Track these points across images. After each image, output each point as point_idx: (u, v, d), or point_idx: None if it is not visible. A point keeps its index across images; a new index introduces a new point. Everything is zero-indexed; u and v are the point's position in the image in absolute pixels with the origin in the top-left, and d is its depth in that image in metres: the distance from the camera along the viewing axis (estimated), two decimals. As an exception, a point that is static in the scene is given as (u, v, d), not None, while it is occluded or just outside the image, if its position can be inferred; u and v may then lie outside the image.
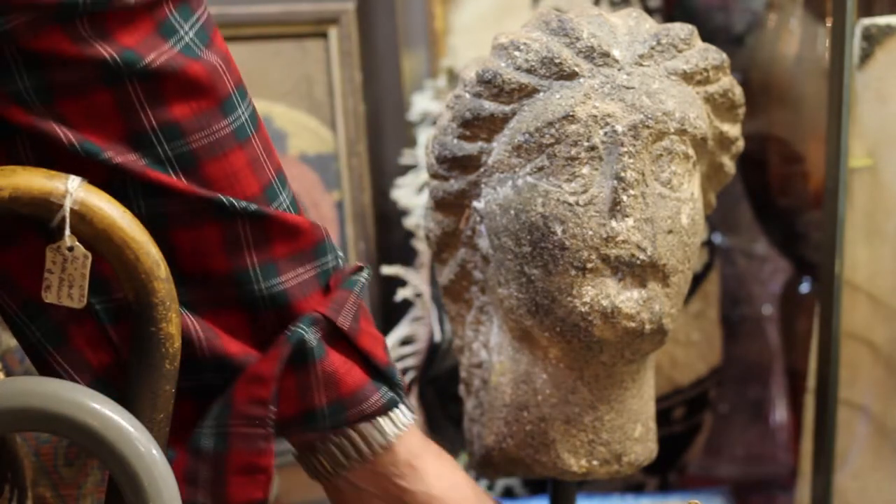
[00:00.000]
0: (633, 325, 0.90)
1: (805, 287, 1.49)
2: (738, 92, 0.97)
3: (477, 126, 0.93)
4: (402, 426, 0.85)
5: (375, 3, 1.46)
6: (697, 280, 1.34)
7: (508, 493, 1.36)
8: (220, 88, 0.76)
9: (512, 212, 0.92)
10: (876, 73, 1.12)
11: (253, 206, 0.77)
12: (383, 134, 1.47)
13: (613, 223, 0.89)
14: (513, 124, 0.92)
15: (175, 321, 0.76)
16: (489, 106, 0.92)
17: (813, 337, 1.17)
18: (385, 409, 0.84)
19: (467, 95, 0.93)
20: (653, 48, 0.92)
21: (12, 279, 0.75)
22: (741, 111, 0.98)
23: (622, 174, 0.88)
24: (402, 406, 0.86)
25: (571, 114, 0.89)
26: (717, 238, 1.47)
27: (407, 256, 1.41)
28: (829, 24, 1.17)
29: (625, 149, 0.89)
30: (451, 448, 1.02)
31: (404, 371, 1.34)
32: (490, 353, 1.00)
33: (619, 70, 0.91)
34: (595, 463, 0.96)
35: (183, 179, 0.75)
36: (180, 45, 0.74)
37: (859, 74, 1.12)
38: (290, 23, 1.41)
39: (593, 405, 0.96)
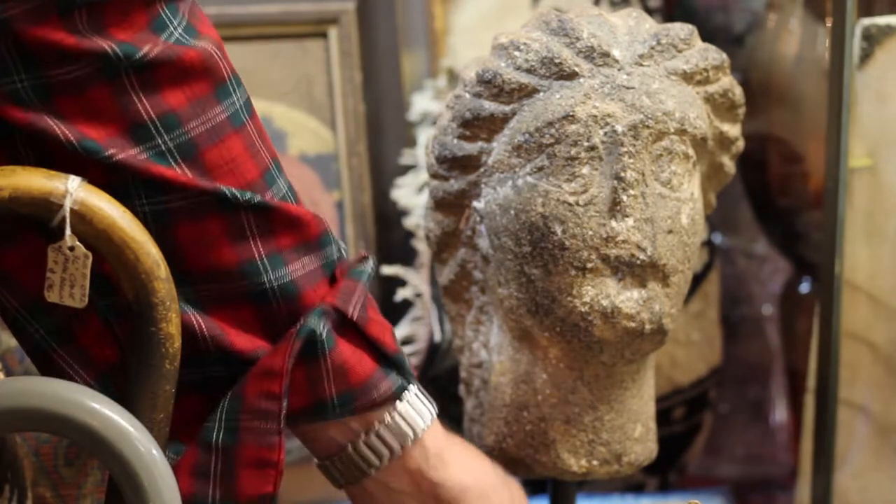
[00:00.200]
0: (633, 325, 0.90)
1: (805, 287, 1.49)
2: (738, 92, 0.97)
3: (477, 126, 0.93)
4: (428, 419, 0.85)
5: (375, 3, 1.46)
6: (697, 280, 1.34)
7: (508, 493, 1.36)
8: (214, 73, 0.76)
9: (512, 212, 0.92)
10: (876, 73, 1.12)
11: (256, 198, 0.77)
12: (383, 134, 1.47)
13: (613, 223, 0.89)
14: (513, 124, 0.92)
15: (175, 321, 0.76)
16: (489, 106, 0.92)
17: (813, 337, 1.17)
18: (394, 396, 0.83)
19: (467, 95, 0.93)
20: (653, 48, 0.92)
21: (14, 279, 0.75)
22: (741, 111, 0.98)
23: (622, 174, 0.89)
24: (422, 397, 0.85)
25: (571, 114, 0.89)
26: (717, 238, 1.47)
27: (407, 256, 1.41)
28: (829, 24, 1.18)
29: (625, 149, 0.89)
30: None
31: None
32: (490, 353, 1.00)
33: (619, 70, 0.91)
34: (595, 463, 0.96)
35: (185, 170, 0.74)
36: (173, 39, 0.74)
37: (859, 74, 1.12)
38: (290, 23, 1.41)
39: (593, 405, 0.96)
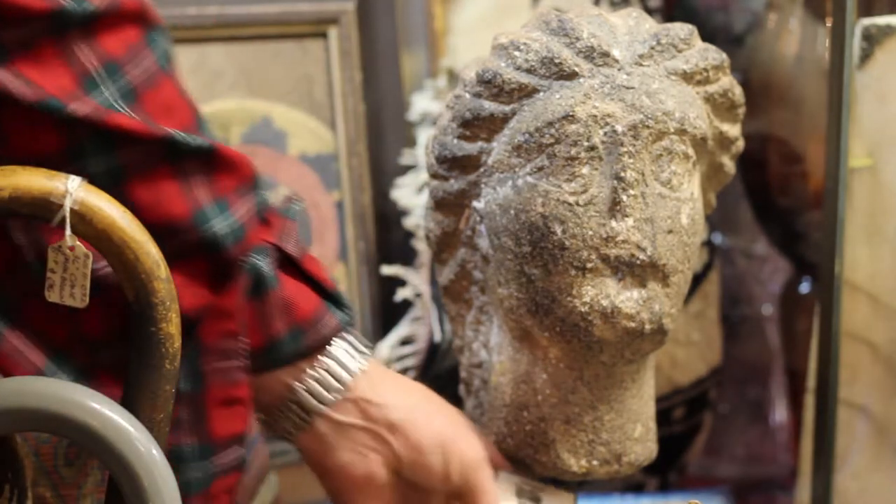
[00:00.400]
0: (633, 325, 0.90)
1: (805, 287, 1.49)
2: (738, 92, 0.97)
3: (477, 126, 0.93)
4: (369, 348, 0.87)
5: (375, 3, 1.46)
6: (697, 280, 1.34)
7: (508, 493, 1.36)
8: (146, 20, 0.77)
9: (512, 212, 0.92)
10: (876, 73, 1.12)
11: (199, 140, 0.77)
12: (383, 134, 1.47)
13: (613, 223, 0.89)
14: (513, 124, 0.92)
15: (175, 321, 0.76)
16: (489, 106, 0.92)
17: (813, 337, 1.17)
18: (341, 329, 0.85)
19: (467, 95, 0.93)
20: (653, 48, 0.92)
21: None
22: (741, 111, 0.98)
23: (622, 174, 0.89)
24: (355, 331, 0.87)
25: (571, 114, 0.89)
26: (717, 238, 1.47)
27: (407, 256, 1.41)
28: (829, 24, 1.17)
29: (625, 149, 0.89)
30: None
31: (404, 371, 1.34)
32: (490, 353, 1.00)
33: (618, 70, 0.91)
34: (595, 463, 0.96)
35: (130, 114, 0.75)
36: None
37: (859, 74, 1.12)
38: (290, 23, 1.41)
39: (593, 405, 0.96)
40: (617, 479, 1.20)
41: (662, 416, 1.25)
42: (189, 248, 0.78)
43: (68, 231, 0.71)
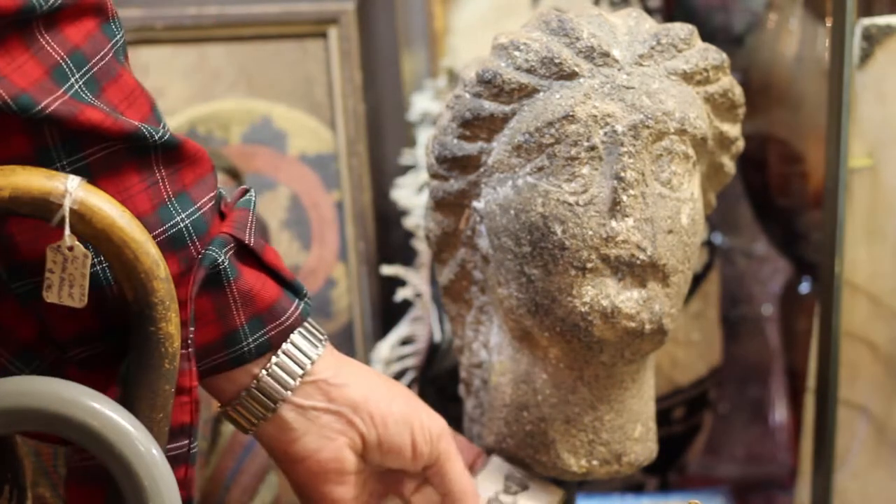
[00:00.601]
0: (633, 325, 0.90)
1: (805, 287, 1.49)
2: (738, 92, 0.97)
3: (477, 126, 0.93)
4: (324, 333, 0.87)
5: (375, 3, 1.46)
6: (697, 280, 1.34)
7: (508, 493, 1.36)
8: (102, 11, 0.76)
9: (512, 212, 0.92)
10: (876, 73, 1.12)
11: (164, 134, 0.76)
12: (383, 134, 1.47)
13: (613, 223, 0.89)
14: (513, 124, 0.92)
15: (175, 321, 0.76)
16: (489, 106, 0.92)
17: (813, 337, 1.17)
18: (302, 320, 0.85)
19: (467, 95, 0.93)
20: (653, 48, 0.92)
21: None
22: (741, 111, 0.98)
23: (622, 174, 0.89)
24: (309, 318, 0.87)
25: (571, 114, 0.89)
26: (717, 238, 1.47)
27: (407, 256, 1.41)
28: (829, 24, 1.17)
29: (625, 149, 0.89)
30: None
31: (404, 371, 1.34)
32: (490, 353, 1.00)
33: (619, 70, 0.91)
34: (595, 463, 0.96)
35: (100, 106, 0.74)
36: None
37: (859, 74, 1.12)
38: (290, 23, 1.41)
39: (593, 405, 0.96)
40: (617, 479, 1.21)
41: (662, 416, 1.25)
42: (159, 246, 0.78)
43: (67, 231, 0.71)
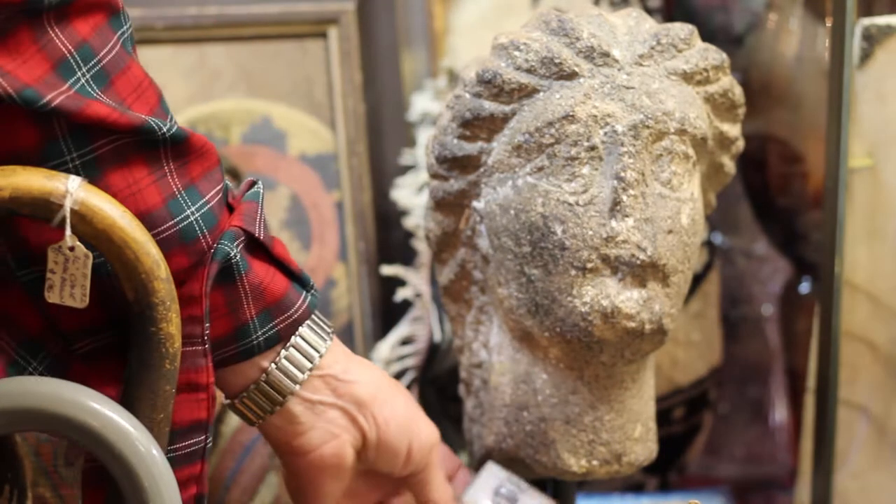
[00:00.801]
0: (633, 325, 0.90)
1: (805, 287, 1.49)
2: (738, 92, 0.97)
3: (477, 126, 0.93)
4: (331, 327, 0.87)
5: (375, 3, 1.46)
6: (697, 280, 1.34)
7: (508, 493, 1.36)
8: (111, 3, 0.76)
9: (512, 212, 0.92)
10: (876, 73, 1.12)
11: (172, 128, 0.76)
12: (383, 134, 1.47)
13: (613, 223, 0.89)
14: (513, 124, 0.92)
15: (175, 321, 0.76)
16: (489, 106, 0.92)
17: (813, 337, 1.17)
18: (310, 312, 0.85)
19: (467, 95, 0.93)
20: (653, 48, 0.92)
21: None
22: (741, 111, 0.98)
23: (622, 174, 0.89)
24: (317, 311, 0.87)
25: (571, 114, 0.89)
26: (717, 238, 1.47)
27: (407, 256, 1.41)
28: (829, 24, 1.17)
29: (625, 149, 0.89)
30: (450, 448, 1.02)
31: (404, 371, 1.34)
32: (490, 353, 1.00)
33: (619, 70, 0.91)
34: (595, 463, 0.96)
35: (106, 100, 0.74)
36: None
37: (859, 74, 1.12)
38: (290, 23, 1.41)
39: (593, 405, 0.96)
40: (617, 479, 1.21)
41: (662, 416, 1.25)
42: (163, 238, 0.78)
43: (68, 231, 0.71)
